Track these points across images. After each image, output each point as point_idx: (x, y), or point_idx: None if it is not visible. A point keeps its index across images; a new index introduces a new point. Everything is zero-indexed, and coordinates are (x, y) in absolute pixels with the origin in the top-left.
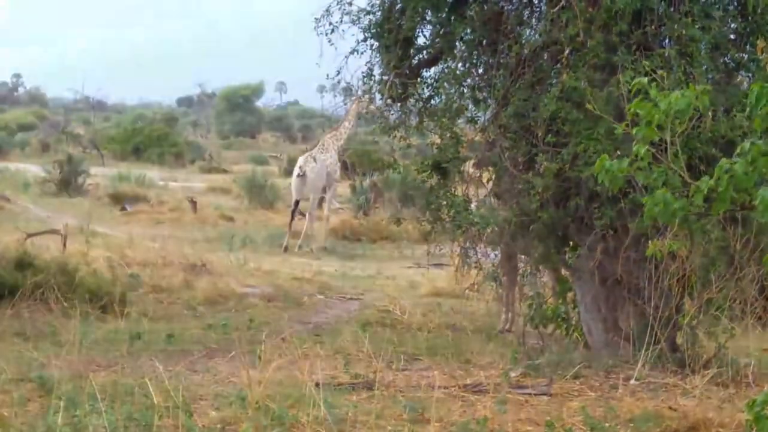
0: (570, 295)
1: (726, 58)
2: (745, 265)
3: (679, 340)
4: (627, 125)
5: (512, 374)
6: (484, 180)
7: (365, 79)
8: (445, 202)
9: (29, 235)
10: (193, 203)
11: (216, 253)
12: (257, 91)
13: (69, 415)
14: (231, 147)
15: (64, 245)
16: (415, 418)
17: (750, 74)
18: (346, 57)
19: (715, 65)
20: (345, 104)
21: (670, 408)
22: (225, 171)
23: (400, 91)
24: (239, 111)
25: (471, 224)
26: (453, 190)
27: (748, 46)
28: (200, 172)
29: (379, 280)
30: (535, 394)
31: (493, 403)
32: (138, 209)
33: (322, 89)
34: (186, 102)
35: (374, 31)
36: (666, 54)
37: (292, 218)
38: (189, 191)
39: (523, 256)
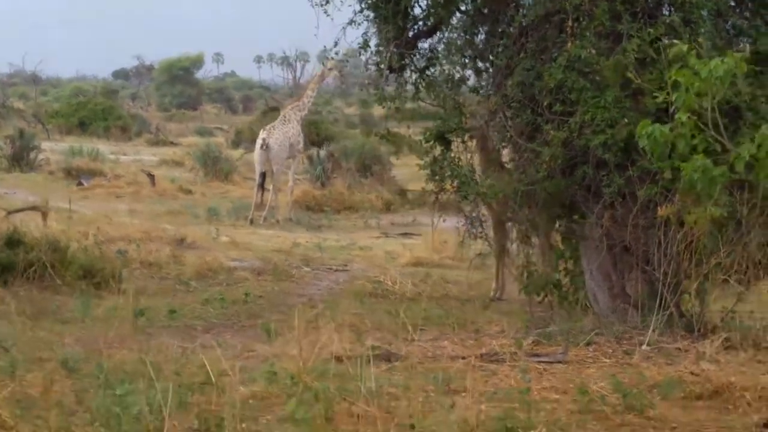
0: (561, 263)
1: (727, 25)
2: (752, 229)
3: (686, 306)
4: (668, 93)
5: (524, 342)
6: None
7: (361, 50)
8: (449, 173)
9: (9, 213)
10: (151, 177)
11: (187, 226)
12: (197, 62)
13: (109, 394)
14: (172, 119)
15: (45, 222)
16: (442, 389)
17: (751, 40)
18: (344, 28)
19: (718, 32)
20: (283, 77)
21: (692, 373)
22: (173, 144)
23: (397, 62)
24: (179, 83)
25: (478, 194)
26: (457, 160)
27: (747, 13)
28: (148, 145)
29: (354, 250)
30: (551, 362)
31: (515, 372)
32: (95, 184)
33: (259, 60)
34: (122, 74)
35: (371, 2)
36: (670, 21)
37: (260, 191)
38: (141, 165)
39: (510, 224)
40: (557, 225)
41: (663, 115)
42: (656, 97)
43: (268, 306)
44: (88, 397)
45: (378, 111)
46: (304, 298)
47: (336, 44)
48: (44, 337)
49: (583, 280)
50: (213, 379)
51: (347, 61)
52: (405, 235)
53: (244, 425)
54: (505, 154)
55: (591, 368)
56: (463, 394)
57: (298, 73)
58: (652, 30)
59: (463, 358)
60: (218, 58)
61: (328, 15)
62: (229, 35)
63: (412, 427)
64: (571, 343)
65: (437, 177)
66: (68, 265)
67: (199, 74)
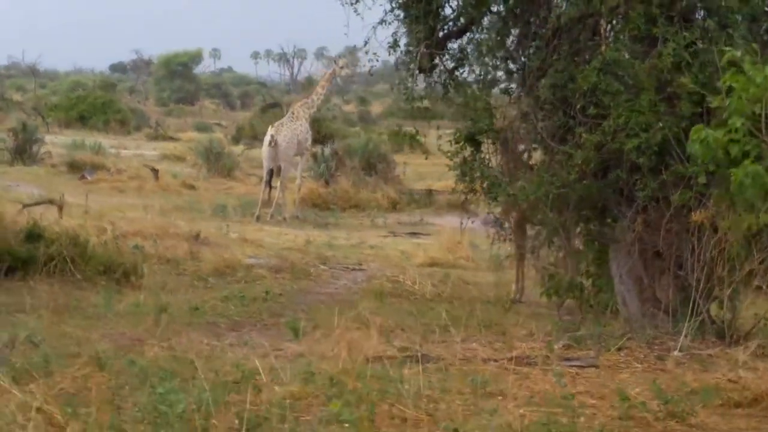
0: (584, 266)
1: (762, 30)
2: None
3: (714, 312)
4: (723, 98)
5: (555, 346)
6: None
7: (390, 50)
8: (478, 174)
9: (26, 206)
10: (155, 171)
11: (196, 222)
12: (196, 57)
13: (151, 392)
14: (171, 114)
15: (60, 215)
16: (480, 392)
17: None
18: (374, 28)
19: (753, 37)
20: (279, 73)
21: (729, 380)
22: (172, 138)
23: (428, 62)
24: (178, 78)
25: (508, 196)
26: (487, 161)
27: None
28: (147, 139)
29: (364, 249)
30: (583, 366)
31: (549, 376)
32: (98, 178)
33: (256, 56)
34: (119, 68)
35: (402, 1)
36: (706, 26)
37: (267, 187)
38: (142, 159)
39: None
40: (580, 227)
41: (698, 119)
42: (709, 102)
43: (289, 304)
44: (124, 394)
45: (376, 109)
46: (322, 297)
47: (366, 43)
48: (71, 332)
49: (606, 283)
50: (264, 377)
51: (378, 59)
52: (413, 234)
53: (285, 425)
54: (528, 155)
55: (624, 373)
56: (500, 397)
57: (295, 70)
58: (687, 34)
59: (495, 360)
60: (215, 53)
61: (358, 14)
62: (227, 31)
63: (456, 431)
64: (602, 347)
65: (467, 178)
66: (88, 259)
67: (197, 69)
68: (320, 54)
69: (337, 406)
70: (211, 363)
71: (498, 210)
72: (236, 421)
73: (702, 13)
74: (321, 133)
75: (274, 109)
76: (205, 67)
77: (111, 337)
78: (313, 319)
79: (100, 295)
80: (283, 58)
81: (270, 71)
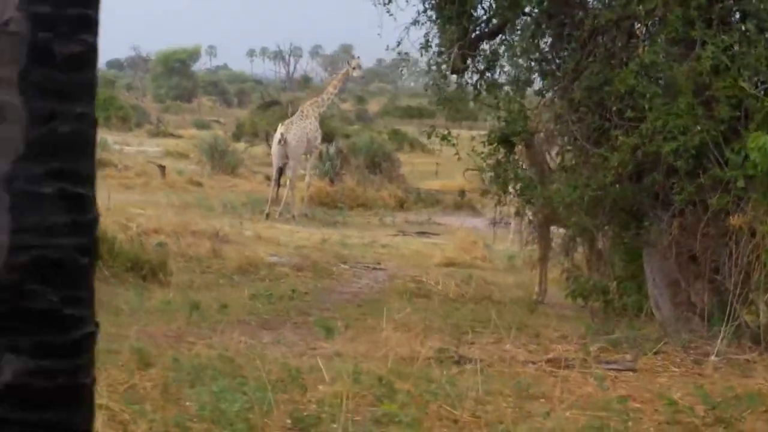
0: (609, 268)
1: None
2: None
3: (749, 316)
4: None
5: (590, 349)
6: (553, 154)
7: (422, 50)
8: (512, 176)
9: None
10: (162, 168)
11: (208, 220)
12: (194, 54)
13: (207, 391)
14: (168, 110)
15: None
16: (522, 395)
17: None
18: (407, 28)
19: None
20: (275, 71)
21: None
22: (173, 135)
23: (461, 63)
24: (176, 75)
25: (545, 199)
26: (521, 163)
27: None
28: (149, 136)
29: (377, 248)
30: (621, 370)
31: (588, 379)
32: (104, 173)
33: (252, 54)
34: (115, 65)
35: (435, 2)
36: (745, 29)
37: (276, 185)
38: (146, 155)
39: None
40: (608, 230)
41: (736, 123)
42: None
43: (315, 303)
44: (172, 391)
45: (373, 107)
46: (347, 296)
47: (399, 44)
48: (105, 328)
49: (635, 287)
50: (326, 377)
51: (408, 59)
52: (422, 234)
53: (334, 425)
54: (562, 158)
55: (662, 377)
56: (542, 400)
57: (291, 68)
58: (726, 37)
59: (533, 363)
60: (211, 50)
61: (390, 14)
62: (226, 30)
63: None
64: (639, 350)
65: (500, 180)
66: (116, 256)
67: (194, 67)
68: (315, 52)
69: (393, 407)
70: (254, 361)
71: (530, 213)
72: (288, 421)
73: (740, 15)
74: (323, 131)
75: (274, 107)
76: (201, 65)
77: (146, 334)
78: (344, 318)
79: (130, 292)
80: (278, 56)
81: (265, 69)
